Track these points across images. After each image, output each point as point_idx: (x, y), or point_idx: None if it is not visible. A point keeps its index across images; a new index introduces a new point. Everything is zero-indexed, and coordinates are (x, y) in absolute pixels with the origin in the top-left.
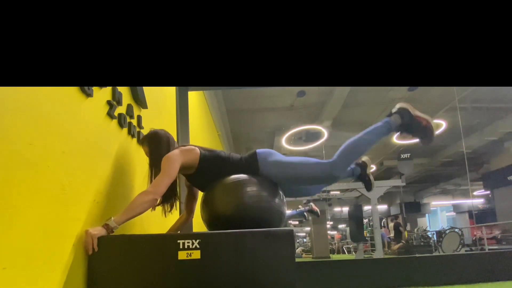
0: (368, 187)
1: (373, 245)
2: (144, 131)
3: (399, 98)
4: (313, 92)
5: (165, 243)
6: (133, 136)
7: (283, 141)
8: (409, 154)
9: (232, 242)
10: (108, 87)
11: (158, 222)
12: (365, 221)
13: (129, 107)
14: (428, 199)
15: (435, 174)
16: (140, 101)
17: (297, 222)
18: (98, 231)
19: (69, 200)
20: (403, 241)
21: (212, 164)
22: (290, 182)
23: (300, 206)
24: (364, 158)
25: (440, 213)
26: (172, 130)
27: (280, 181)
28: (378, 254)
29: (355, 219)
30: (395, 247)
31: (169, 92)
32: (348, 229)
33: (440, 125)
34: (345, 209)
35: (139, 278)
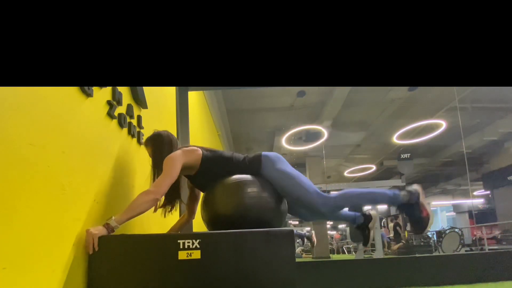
0: (365, 241)
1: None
2: (144, 131)
3: (399, 98)
4: (313, 92)
5: (166, 243)
6: (133, 136)
7: (283, 141)
8: (409, 154)
9: (232, 242)
10: (108, 87)
11: (158, 222)
12: None
13: (129, 107)
14: (428, 199)
15: (435, 174)
16: (140, 101)
17: (297, 222)
18: (99, 230)
19: (69, 200)
20: (403, 241)
21: (214, 165)
22: (283, 194)
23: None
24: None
25: (440, 213)
26: (172, 130)
27: (276, 189)
28: (378, 254)
29: None
30: (395, 247)
31: (169, 92)
32: (348, 229)
33: (440, 125)
34: (345, 209)
35: (139, 278)
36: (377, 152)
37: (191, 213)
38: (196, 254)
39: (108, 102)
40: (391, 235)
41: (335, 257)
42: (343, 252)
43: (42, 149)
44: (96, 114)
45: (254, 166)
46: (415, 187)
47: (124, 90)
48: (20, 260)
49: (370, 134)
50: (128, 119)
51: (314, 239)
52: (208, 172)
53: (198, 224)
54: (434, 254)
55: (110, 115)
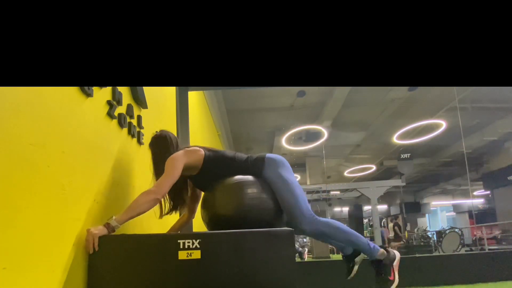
0: (348, 272)
1: None
2: (144, 131)
3: (399, 98)
4: (313, 92)
5: (166, 243)
6: (133, 136)
7: (283, 141)
8: (409, 154)
9: (232, 242)
10: (108, 87)
11: (158, 222)
12: (365, 221)
13: (129, 107)
14: (428, 199)
15: (435, 174)
16: (140, 101)
17: None
18: (99, 230)
19: (69, 200)
20: (403, 240)
21: (216, 165)
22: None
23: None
24: None
25: (440, 213)
26: (172, 130)
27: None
28: None
29: (355, 219)
30: (395, 244)
31: (169, 92)
32: None
33: (440, 125)
34: (345, 209)
35: (139, 278)
36: (377, 152)
37: (191, 213)
38: (196, 254)
39: (108, 102)
40: (391, 235)
41: (335, 257)
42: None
43: (42, 149)
44: (96, 114)
45: (256, 167)
46: (395, 252)
47: (124, 90)
48: (20, 260)
49: (370, 134)
50: (128, 119)
51: (305, 256)
52: (210, 172)
53: (198, 224)
54: (434, 254)
55: (110, 115)
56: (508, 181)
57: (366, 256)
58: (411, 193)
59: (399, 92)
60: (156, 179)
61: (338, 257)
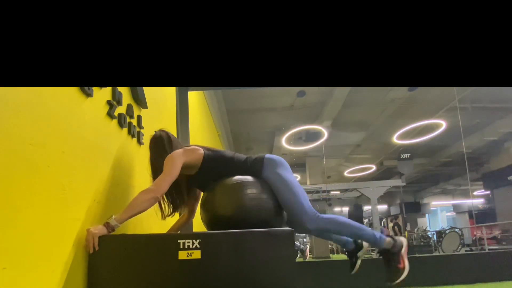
0: (351, 267)
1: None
2: (144, 131)
3: (399, 98)
4: (313, 92)
5: (166, 243)
6: (133, 136)
7: (283, 141)
8: (409, 154)
9: (232, 242)
10: (108, 87)
11: (158, 222)
12: (365, 221)
13: (129, 107)
14: (428, 199)
15: (435, 174)
16: (140, 101)
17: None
18: (99, 230)
19: (69, 200)
20: None
21: (215, 165)
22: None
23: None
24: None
25: (440, 213)
26: (172, 130)
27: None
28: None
29: (355, 219)
30: None
31: (169, 92)
32: None
33: (440, 125)
34: (345, 209)
35: (139, 278)
36: (377, 152)
37: (191, 213)
38: (196, 254)
39: (108, 102)
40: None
41: (335, 257)
42: (343, 252)
43: (42, 149)
44: (96, 114)
45: (255, 167)
46: (402, 239)
47: (124, 90)
48: (20, 260)
49: (370, 134)
50: (128, 119)
51: (307, 254)
52: (209, 172)
53: (198, 224)
54: (434, 254)
55: (110, 115)
56: (508, 181)
57: (370, 247)
58: (411, 193)
59: (399, 92)
60: (154, 179)
61: (338, 257)
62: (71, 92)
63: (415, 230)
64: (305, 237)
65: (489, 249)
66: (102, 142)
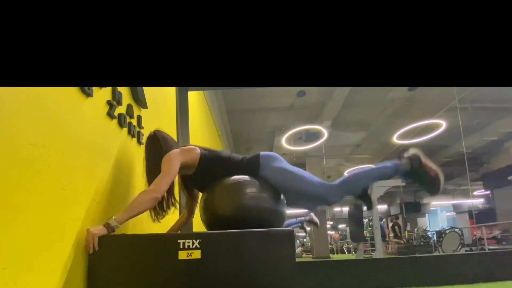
0: (368, 206)
1: (373, 245)
2: (144, 131)
3: (399, 98)
4: (313, 92)
5: (166, 243)
6: (133, 136)
7: (283, 141)
8: None
9: (232, 242)
10: (108, 87)
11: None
12: (365, 221)
13: (129, 107)
14: (428, 199)
15: None
16: (140, 101)
17: (304, 234)
18: (99, 230)
19: (69, 200)
20: (403, 239)
21: (212, 164)
22: (285, 191)
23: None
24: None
25: (440, 213)
26: (172, 130)
27: (277, 187)
28: (378, 254)
29: (355, 219)
30: (394, 240)
31: (169, 92)
32: (348, 229)
33: (440, 125)
34: (345, 209)
35: (139, 278)
36: (377, 152)
37: (190, 213)
38: (196, 254)
39: (108, 102)
40: (391, 235)
41: (335, 257)
42: (343, 252)
43: (42, 149)
44: (96, 114)
45: (252, 166)
46: (413, 151)
47: (124, 90)
48: (20, 260)
49: (370, 134)
50: (128, 119)
51: (316, 219)
52: (206, 171)
53: (198, 224)
54: (434, 254)
55: (110, 115)
56: (508, 181)
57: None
58: (411, 193)
59: (399, 92)
60: (147, 179)
61: (338, 257)
62: (71, 92)
63: (415, 230)
64: (304, 238)
65: (489, 249)
66: (102, 142)
